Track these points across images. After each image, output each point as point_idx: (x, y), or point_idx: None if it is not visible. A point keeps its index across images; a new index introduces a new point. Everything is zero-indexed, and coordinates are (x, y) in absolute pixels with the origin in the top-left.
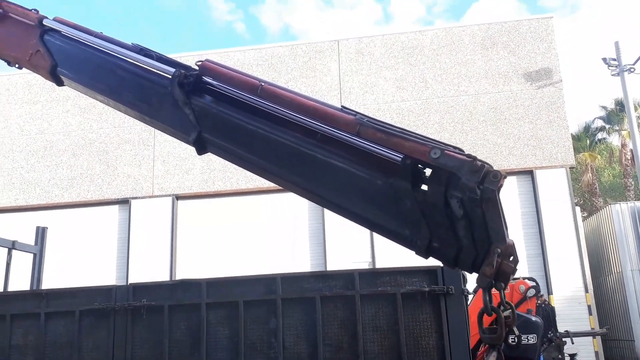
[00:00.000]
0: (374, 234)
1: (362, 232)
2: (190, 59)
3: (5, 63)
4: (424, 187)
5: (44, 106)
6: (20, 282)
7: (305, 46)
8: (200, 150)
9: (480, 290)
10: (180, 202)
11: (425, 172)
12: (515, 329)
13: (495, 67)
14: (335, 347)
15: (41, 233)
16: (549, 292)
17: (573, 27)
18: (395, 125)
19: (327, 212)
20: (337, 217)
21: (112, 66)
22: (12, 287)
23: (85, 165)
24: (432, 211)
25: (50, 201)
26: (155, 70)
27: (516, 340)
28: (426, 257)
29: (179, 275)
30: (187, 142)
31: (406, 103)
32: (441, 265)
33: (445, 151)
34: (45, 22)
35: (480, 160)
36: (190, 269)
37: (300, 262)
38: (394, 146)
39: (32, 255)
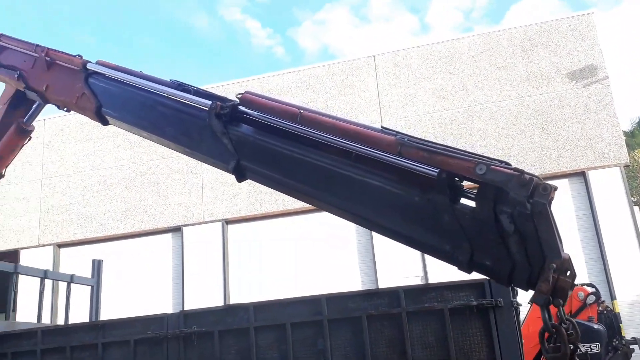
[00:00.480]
0: None
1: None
2: (232, 87)
3: (56, 107)
4: (463, 200)
5: (96, 143)
6: (80, 314)
7: (342, 64)
8: (240, 178)
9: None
10: (229, 226)
11: (463, 186)
12: (580, 345)
13: (537, 68)
14: None
15: (97, 266)
16: (612, 298)
17: (617, 20)
18: (436, 142)
19: None
20: None
21: (153, 103)
22: (72, 319)
23: (138, 197)
24: (481, 228)
25: (106, 233)
26: (193, 104)
27: (584, 356)
28: (469, 272)
29: (233, 298)
30: (227, 170)
31: (448, 112)
32: (488, 278)
33: (492, 166)
34: (88, 66)
35: (528, 173)
36: (242, 291)
37: (351, 280)
38: (438, 164)
39: (89, 287)
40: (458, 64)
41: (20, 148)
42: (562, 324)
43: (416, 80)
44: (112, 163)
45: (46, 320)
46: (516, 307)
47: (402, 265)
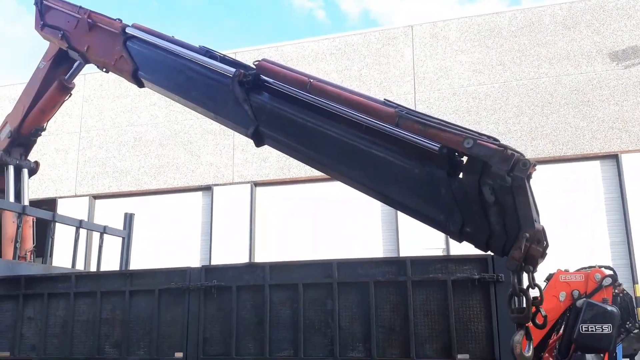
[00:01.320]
0: None
1: None
2: (267, 51)
3: (96, 67)
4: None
5: (133, 100)
6: (112, 263)
7: (379, 33)
8: (258, 143)
9: (552, 280)
10: (258, 189)
11: (463, 162)
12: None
13: (578, 47)
14: (387, 329)
15: (129, 219)
16: (634, 282)
17: None
18: (433, 116)
19: None
20: None
21: (182, 67)
22: (104, 268)
23: (172, 155)
24: (466, 197)
25: (140, 188)
26: (219, 71)
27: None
28: (459, 241)
29: (258, 257)
30: (246, 135)
31: (483, 87)
32: (491, 253)
33: (478, 141)
34: (127, 30)
35: (511, 149)
36: (267, 252)
37: (373, 248)
38: (431, 137)
39: (121, 239)
40: (497, 39)
41: (61, 104)
42: (530, 288)
43: (453, 52)
44: (148, 120)
45: (80, 266)
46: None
47: (424, 237)
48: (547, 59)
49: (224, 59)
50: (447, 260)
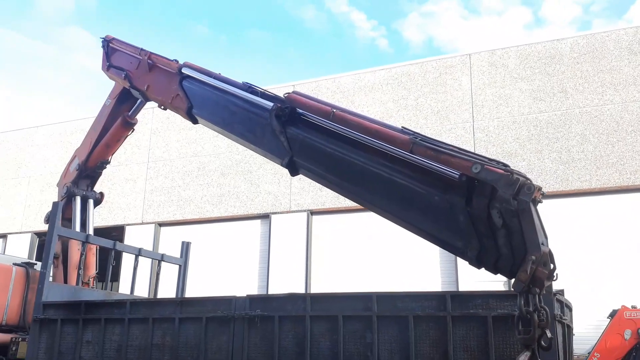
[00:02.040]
0: None
1: None
2: (324, 83)
3: (156, 104)
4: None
5: (197, 131)
6: (169, 289)
7: (436, 62)
8: (293, 173)
9: (616, 317)
10: (314, 217)
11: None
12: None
13: None
14: None
15: (185, 247)
16: None
17: None
18: (446, 143)
19: None
20: None
21: (227, 103)
22: (164, 294)
23: (232, 184)
24: (476, 221)
25: (202, 216)
26: (259, 104)
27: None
28: (478, 267)
29: (314, 285)
30: (282, 165)
31: (544, 115)
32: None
33: (486, 166)
34: (183, 70)
35: (517, 174)
36: (323, 280)
37: (431, 280)
38: (443, 162)
39: (178, 266)
40: (558, 65)
41: (125, 138)
42: (536, 312)
43: (512, 80)
44: (210, 151)
45: (144, 292)
46: (559, 320)
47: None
48: (612, 85)
49: (264, 94)
50: (488, 296)
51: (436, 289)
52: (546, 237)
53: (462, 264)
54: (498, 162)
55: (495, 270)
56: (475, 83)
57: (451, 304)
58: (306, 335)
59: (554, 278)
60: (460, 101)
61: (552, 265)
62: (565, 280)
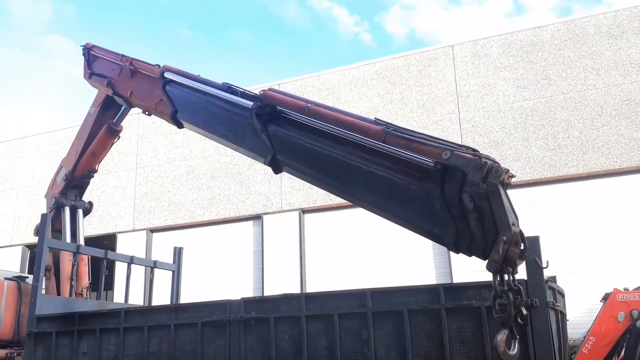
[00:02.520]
0: None
1: None
2: (309, 80)
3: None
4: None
5: (185, 135)
6: (166, 295)
7: (419, 55)
8: (276, 170)
9: (609, 300)
10: (306, 216)
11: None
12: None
13: (626, 56)
14: (423, 357)
15: (178, 253)
16: None
17: None
18: (418, 131)
19: None
20: None
21: (207, 104)
22: (158, 301)
23: (222, 186)
24: (450, 206)
25: (194, 220)
26: (239, 104)
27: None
28: (456, 252)
29: (309, 284)
30: (264, 163)
31: (529, 102)
32: (526, 279)
33: (455, 152)
34: (165, 74)
35: (486, 158)
36: (318, 278)
37: (425, 273)
38: (415, 150)
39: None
40: (540, 53)
41: (111, 146)
42: (510, 290)
43: (496, 69)
44: (199, 154)
45: (139, 300)
46: (552, 307)
47: (475, 258)
48: (594, 70)
49: (244, 94)
50: (481, 287)
51: (430, 282)
52: (517, 218)
53: (455, 256)
54: (467, 148)
55: (469, 253)
56: (459, 74)
57: (445, 296)
58: (302, 335)
59: (525, 257)
60: (445, 93)
61: (522, 245)
62: (557, 266)
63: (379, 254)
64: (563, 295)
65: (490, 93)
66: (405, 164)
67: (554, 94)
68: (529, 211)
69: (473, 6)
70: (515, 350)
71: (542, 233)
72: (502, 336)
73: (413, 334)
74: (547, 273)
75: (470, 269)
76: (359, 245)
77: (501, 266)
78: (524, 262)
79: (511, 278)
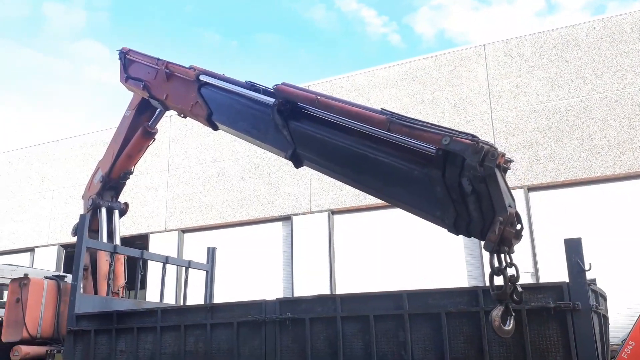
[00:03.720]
0: (536, 243)
1: (522, 241)
2: (338, 82)
3: (175, 112)
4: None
5: (215, 137)
6: (200, 294)
7: (450, 55)
8: (297, 164)
9: None
10: (335, 217)
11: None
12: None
13: None
14: None
15: (211, 253)
16: None
17: None
18: (421, 120)
19: None
20: None
21: (232, 102)
22: (192, 300)
23: (252, 187)
24: (450, 190)
25: (224, 221)
26: (261, 101)
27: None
28: (456, 234)
29: (339, 285)
30: (286, 157)
31: (563, 102)
32: (567, 281)
33: (454, 137)
34: (201, 77)
35: (484, 143)
36: (347, 279)
37: (457, 274)
38: (417, 137)
39: (205, 272)
40: (575, 51)
41: (146, 148)
42: (507, 268)
43: (529, 69)
44: (229, 155)
45: (171, 299)
46: (595, 311)
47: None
48: (631, 69)
49: (266, 91)
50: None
51: (462, 283)
52: (513, 200)
53: (487, 259)
54: (467, 134)
55: (468, 234)
56: (492, 74)
57: (483, 299)
58: (338, 336)
59: (521, 237)
60: (477, 92)
61: (519, 225)
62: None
63: (409, 256)
64: (605, 298)
65: (524, 93)
66: (409, 151)
67: (589, 93)
68: (565, 212)
69: (503, 5)
70: (511, 325)
71: (578, 235)
72: (497, 312)
73: (451, 336)
74: (588, 275)
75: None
76: (389, 246)
77: (498, 246)
78: (520, 237)
79: (507, 257)
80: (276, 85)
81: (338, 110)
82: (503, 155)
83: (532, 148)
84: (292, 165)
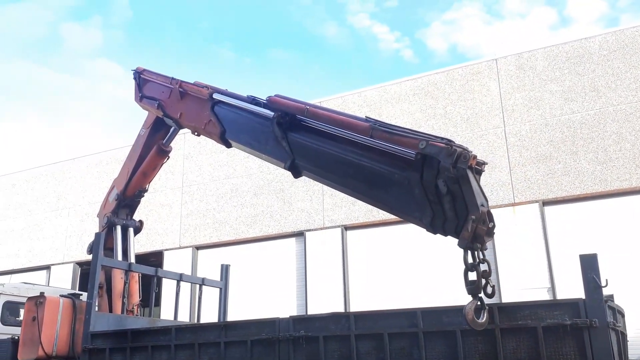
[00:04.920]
0: (552, 258)
1: (537, 257)
2: (350, 97)
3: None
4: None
5: (229, 154)
6: (209, 312)
7: (462, 69)
8: (296, 175)
9: None
10: (348, 232)
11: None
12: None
13: None
14: None
15: (225, 270)
16: None
17: None
18: (402, 127)
19: (499, 236)
20: (509, 240)
21: (235, 116)
22: (206, 317)
23: (265, 203)
24: (427, 192)
25: (238, 237)
26: (262, 114)
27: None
28: (433, 233)
29: (353, 301)
30: (285, 168)
31: (577, 115)
32: (583, 298)
33: (430, 142)
34: (214, 95)
35: (457, 146)
36: (361, 296)
37: None
38: (397, 143)
39: (219, 289)
40: (588, 64)
41: (161, 166)
42: (480, 264)
43: (542, 82)
44: (242, 172)
45: (185, 316)
46: (613, 328)
47: (526, 277)
48: None
49: (267, 105)
50: (537, 306)
51: None
52: (486, 200)
53: (503, 274)
54: (442, 138)
55: (444, 232)
56: (504, 87)
57: (499, 316)
58: (352, 354)
59: (494, 234)
60: (490, 107)
61: (491, 224)
62: (614, 284)
63: (423, 271)
64: (623, 315)
65: (537, 106)
66: (391, 156)
67: (603, 106)
68: (581, 227)
69: (515, 20)
70: (484, 319)
71: (595, 249)
72: (470, 305)
73: (467, 355)
74: (605, 291)
75: (517, 287)
76: (402, 261)
77: (471, 243)
78: (492, 235)
79: (480, 254)
80: (269, 97)
81: (326, 119)
82: (475, 157)
83: (547, 162)
84: (304, 181)
